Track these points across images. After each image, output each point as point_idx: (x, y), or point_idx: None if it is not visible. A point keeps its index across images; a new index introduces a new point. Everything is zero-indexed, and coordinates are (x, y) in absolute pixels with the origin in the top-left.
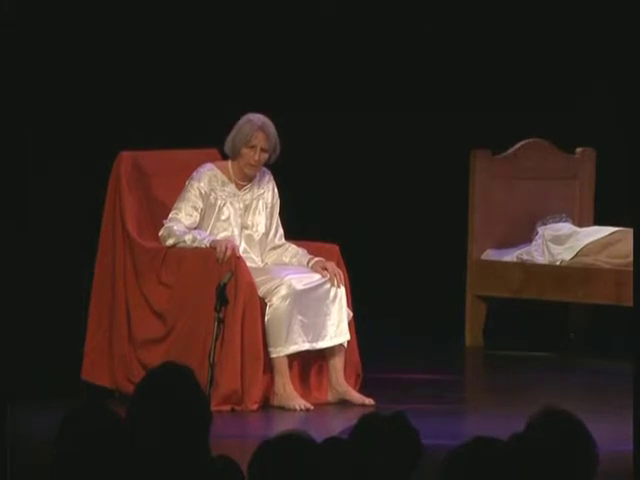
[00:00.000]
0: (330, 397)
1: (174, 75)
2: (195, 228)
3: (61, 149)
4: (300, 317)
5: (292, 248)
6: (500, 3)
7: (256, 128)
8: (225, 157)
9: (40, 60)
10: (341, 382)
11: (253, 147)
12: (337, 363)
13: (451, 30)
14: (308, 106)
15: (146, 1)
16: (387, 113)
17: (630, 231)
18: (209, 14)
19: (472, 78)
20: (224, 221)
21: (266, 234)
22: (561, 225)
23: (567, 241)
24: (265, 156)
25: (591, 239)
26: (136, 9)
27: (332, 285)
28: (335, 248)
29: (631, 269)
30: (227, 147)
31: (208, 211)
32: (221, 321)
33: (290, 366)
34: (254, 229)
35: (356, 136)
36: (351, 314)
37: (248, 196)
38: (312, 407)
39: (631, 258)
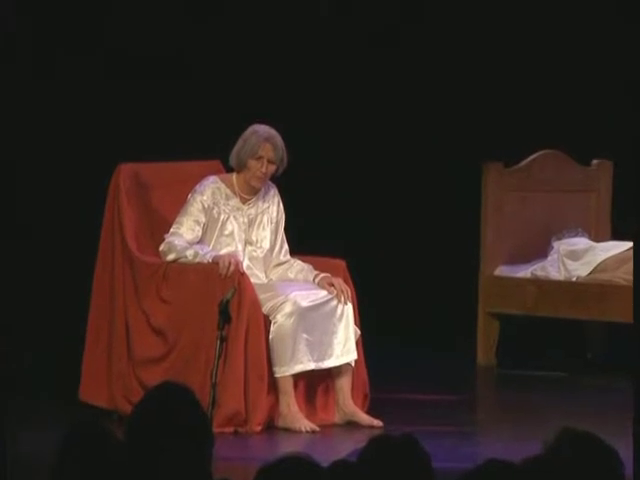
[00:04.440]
0: (337, 418)
1: (175, 84)
2: (197, 243)
3: (58, 160)
4: (306, 335)
5: (297, 264)
6: (511, 13)
7: (263, 139)
8: (228, 169)
9: (39, 68)
10: (348, 403)
11: (260, 159)
12: (344, 383)
13: (464, 41)
14: (316, 119)
15: (151, 9)
16: (396, 125)
17: None
18: (212, 22)
19: (483, 87)
20: (227, 236)
21: (271, 250)
22: (577, 240)
23: (583, 256)
24: (272, 168)
25: (608, 254)
26: (138, 16)
27: (339, 302)
28: (342, 264)
29: None
30: (232, 159)
31: (211, 225)
32: (224, 339)
33: (295, 386)
34: (258, 244)
35: (365, 149)
36: (359, 332)
37: (252, 210)
38: (318, 429)
39: None
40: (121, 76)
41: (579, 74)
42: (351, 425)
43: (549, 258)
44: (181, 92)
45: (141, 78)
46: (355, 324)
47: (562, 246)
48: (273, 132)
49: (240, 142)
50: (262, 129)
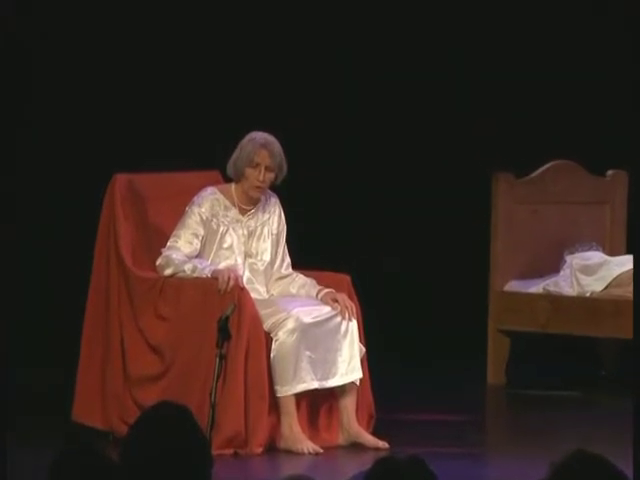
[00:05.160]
0: (341, 439)
1: (172, 92)
2: (195, 257)
3: (51, 169)
4: (308, 353)
5: (300, 278)
6: (523, 20)
7: (259, 146)
8: (227, 180)
9: (34, 76)
10: (353, 423)
11: (257, 166)
12: (348, 403)
13: (474, 47)
14: (319, 127)
15: (142, 19)
16: (403, 134)
17: None
18: (207, 31)
19: (493, 94)
20: (227, 249)
21: (272, 263)
22: (591, 254)
23: (597, 271)
24: (270, 176)
25: (623, 269)
26: (133, 27)
27: (343, 318)
28: (346, 278)
29: None
30: (230, 169)
31: (210, 238)
32: (223, 357)
33: (298, 406)
34: (259, 257)
35: (371, 158)
36: (364, 350)
37: (252, 222)
38: (321, 450)
39: None
40: (118, 84)
41: (593, 82)
42: (356, 446)
43: (562, 273)
44: (178, 100)
45: (138, 85)
46: (360, 341)
47: (575, 260)
48: (270, 138)
49: (237, 150)
50: (259, 136)
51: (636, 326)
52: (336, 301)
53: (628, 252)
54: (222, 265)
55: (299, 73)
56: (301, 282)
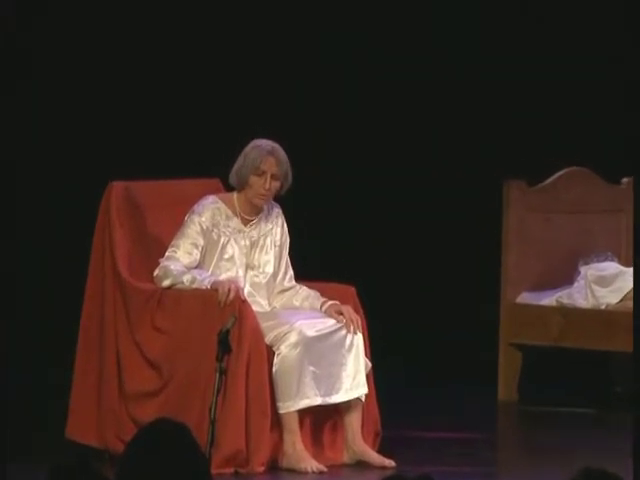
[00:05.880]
0: (346, 458)
1: (170, 97)
2: (195, 268)
3: (46, 178)
4: (312, 368)
5: (303, 290)
6: (532, 24)
7: (265, 153)
8: (228, 188)
9: (31, 82)
10: (358, 441)
11: (262, 174)
12: (354, 419)
13: (484, 51)
14: (323, 133)
15: (140, 22)
16: (410, 140)
17: None
18: (205, 35)
19: (504, 98)
20: (227, 260)
21: (274, 275)
22: (606, 265)
23: (613, 283)
24: (276, 184)
25: None
26: (131, 30)
27: (348, 331)
28: (351, 290)
29: None
30: (233, 177)
31: (210, 249)
32: (223, 372)
33: (301, 423)
34: (261, 269)
35: (377, 165)
36: (369, 364)
37: (255, 232)
38: (325, 469)
39: None
40: (115, 89)
41: (607, 87)
42: (361, 465)
43: (576, 284)
44: (177, 106)
45: (136, 90)
46: (365, 355)
47: (590, 271)
48: (276, 146)
49: (241, 158)
50: (264, 143)
51: (636, 338)
52: (341, 313)
53: None
54: (223, 277)
55: (299, 77)
56: (304, 294)
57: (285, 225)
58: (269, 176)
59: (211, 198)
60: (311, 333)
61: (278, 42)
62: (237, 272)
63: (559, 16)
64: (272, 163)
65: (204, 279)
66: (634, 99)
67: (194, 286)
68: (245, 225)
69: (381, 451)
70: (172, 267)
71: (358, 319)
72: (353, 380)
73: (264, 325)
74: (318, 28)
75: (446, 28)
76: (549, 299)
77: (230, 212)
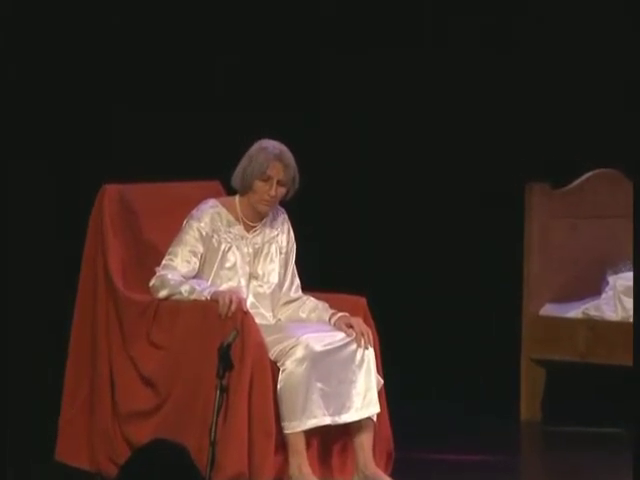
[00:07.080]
0: None
1: (169, 97)
2: (194, 277)
3: (33, 178)
4: (320, 385)
5: (310, 301)
6: (554, 26)
7: (272, 157)
8: (230, 191)
9: (23, 79)
10: (369, 463)
11: (268, 180)
12: (365, 440)
13: (505, 54)
14: (333, 137)
15: (137, 21)
16: (427, 142)
17: None
18: (207, 36)
19: (527, 97)
20: (229, 269)
21: (279, 285)
22: None
23: None
24: (282, 191)
25: None
26: (128, 29)
27: (359, 346)
28: (362, 301)
29: None
30: (236, 180)
31: (210, 257)
32: (224, 389)
33: (308, 444)
34: (265, 279)
35: (391, 169)
36: (381, 381)
37: (258, 239)
38: None
39: None
40: (113, 89)
41: (635, 84)
42: None
43: (604, 295)
44: (176, 105)
45: (131, 89)
46: (377, 372)
47: (619, 281)
48: (284, 149)
49: (245, 160)
50: (271, 145)
51: (636, 353)
52: (351, 326)
53: None
54: (224, 287)
55: (304, 77)
56: (312, 306)
57: (291, 231)
58: (275, 182)
59: (211, 202)
60: (319, 348)
61: (278, 42)
62: (239, 282)
63: (592, 14)
64: (279, 169)
65: (204, 289)
66: None
67: (193, 297)
68: (248, 231)
69: (394, 475)
70: (169, 277)
71: (369, 332)
72: (364, 398)
73: (268, 339)
74: (320, 28)
75: (468, 27)
76: (575, 311)
77: (232, 217)
